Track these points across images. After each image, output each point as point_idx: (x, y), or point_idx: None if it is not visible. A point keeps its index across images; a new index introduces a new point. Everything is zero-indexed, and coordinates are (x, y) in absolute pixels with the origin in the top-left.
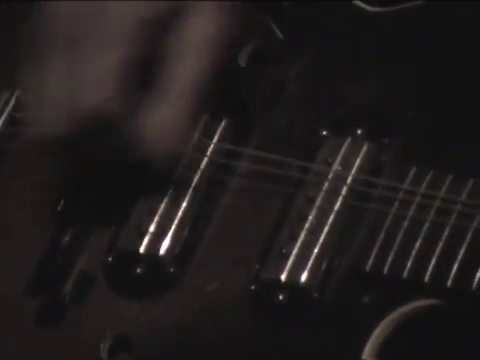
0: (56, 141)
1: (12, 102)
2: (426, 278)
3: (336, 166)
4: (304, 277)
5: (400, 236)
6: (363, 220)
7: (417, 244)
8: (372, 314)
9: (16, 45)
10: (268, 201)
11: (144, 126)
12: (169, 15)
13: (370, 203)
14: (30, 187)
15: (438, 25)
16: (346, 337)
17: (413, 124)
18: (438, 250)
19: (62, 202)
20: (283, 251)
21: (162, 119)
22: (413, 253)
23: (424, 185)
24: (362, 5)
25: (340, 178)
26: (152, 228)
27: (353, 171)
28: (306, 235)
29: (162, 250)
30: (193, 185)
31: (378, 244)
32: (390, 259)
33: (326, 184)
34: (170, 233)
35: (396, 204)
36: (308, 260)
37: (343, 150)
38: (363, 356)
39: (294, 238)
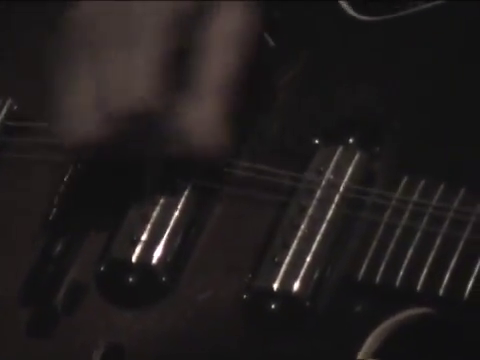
0: (94, 147)
1: (4, 111)
2: (418, 287)
3: (328, 175)
4: (296, 286)
5: (392, 245)
6: (355, 229)
7: (409, 253)
8: (364, 323)
9: (45, 58)
10: (260, 210)
11: (185, 123)
12: (199, 10)
13: (362, 212)
14: (22, 197)
15: (428, 34)
16: (338, 346)
17: (405, 133)
18: (430, 259)
19: (54, 211)
20: (275, 260)
21: (201, 116)
22: (405, 262)
23: (416, 194)
24: (353, 14)
25: (332, 187)
26: (144, 237)
27: (345, 180)
28: (298, 244)
29: (154, 259)
30: (185, 193)
31: (370, 253)
32: (382, 268)
33: (318, 193)
34: (162, 242)
35: (388, 213)
36: (300, 269)
37: (335, 159)
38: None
39: (286, 247)
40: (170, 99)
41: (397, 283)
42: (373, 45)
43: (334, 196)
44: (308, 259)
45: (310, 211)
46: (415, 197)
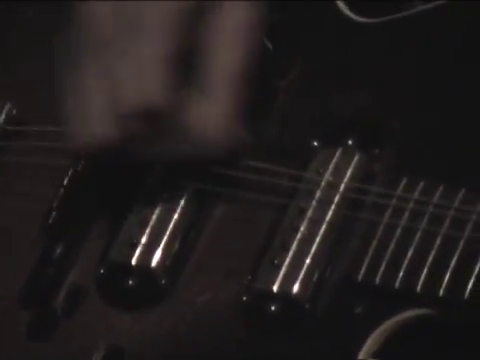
0: (109, 147)
1: (3, 115)
2: (418, 288)
3: (327, 176)
4: (296, 288)
5: (392, 246)
6: (355, 230)
7: (409, 254)
8: (364, 324)
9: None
10: (260, 212)
11: (197, 120)
12: (203, 7)
13: (362, 213)
14: (22, 200)
15: (427, 35)
16: (339, 347)
17: (404, 134)
18: (430, 260)
19: (53, 215)
20: (275, 262)
21: (214, 112)
22: (405, 263)
23: (416, 195)
24: (351, 16)
25: (332, 188)
26: (144, 240)
27: (344, 181)
28: (298, 246)
29: (154, 262)
30: (185, 196)
31: (370, 254)
32: (382, 269)
33: (318, 194)
34: (162, 245)
35: (388, 214)
36: (300, 271)
37: (334, 161)
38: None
39: (286, 249)
40: (181, 96)
41: (397, 284)
42: (371, 46)
43: (333, 197)
44: (308, 261)
45: (309, 213)
46: (414, 198)
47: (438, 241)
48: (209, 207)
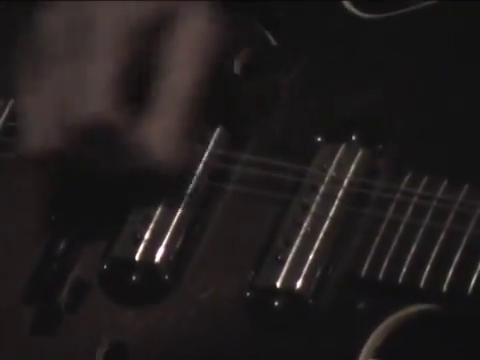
0: (53, 155)
1: (6, 112)
2: (421, 283)
3: (331, 172)
4: (299, 283)
5: (395, 242)
6: (358, 226)
7: (412, 249)
8: (367, 320)
9: (12, 59)
10: (263, 208)
11: (142, 138)
12: (160, 24)
13: (365, 209)
14: (25, 196)
15: (432, 32)
16: (341, 343)
17: (408, 130)
18: (433, 255)
19: (57, 209)
20: (278, 258)
21: (160, 130)
22: (408, 258)
23: (419, 190)
24: (356, 12)
25: (335, 184)
26: (147, 235)
27: (348, 177)
28: (301, 241)
29: (157, 257)
30: (188, 192)
31: (373, 250)
32: (385, 265)
33: (321, 190)
34: (165, 240)
35: (391, 210)
36: (303, 267)
37: (338, 156)
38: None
39: (289, 245)
40: (128, 113)
41: (400, 279)
42: (375, 42)
43: (337, 193)
44: (311, 257)
45: (313, 208)
46: (417, 194)
47: (441, 236)
48: (212, 203)
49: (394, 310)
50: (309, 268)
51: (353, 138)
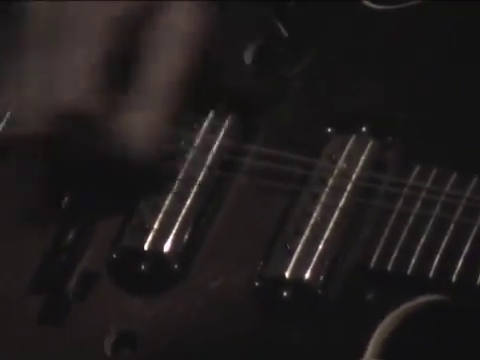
0: (35, 140)
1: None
2: (430, 274)
3: (341, 163)
4: (308, 274)
5: (404, 232)
6: (367, 217)
7: (421, 240)
8: (376, 310)
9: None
10: (273, 198)
11: (122, 125)
12: (143, 12)
13: (375, 200)
14: (34, 185)
15: (443, 22)
16: (350, 333)
17: (418, 122)
18: (443, 246)
19: (66, 199)
20: (287, 247)
21: (140, 118)
22: (417, 249)
23: (428, 182)
24: (367, 3)
25: (345, 175)
26: (156, 225)
27: (358, 168)
28: (311, 232)
29: (166, 247)
30: (198, 182)
31: (382, 240)
32: (394, 255)
33: (331, 181)
34: (174, 230)
35: (400, 201)
36: (312, 257)
37: (348, 147)
38: (366, 355)
39: (299, 235)
40: (109, 99)
41: (409, 270)
42: (387, 33)
43: (347, 184)
44: (320, 247)
45: (322, 199)
46: (427, 185)
47: (451, 228)
48: (222, 192)
49: (403, 301)
50: (318, 259)
51: (363, 129)
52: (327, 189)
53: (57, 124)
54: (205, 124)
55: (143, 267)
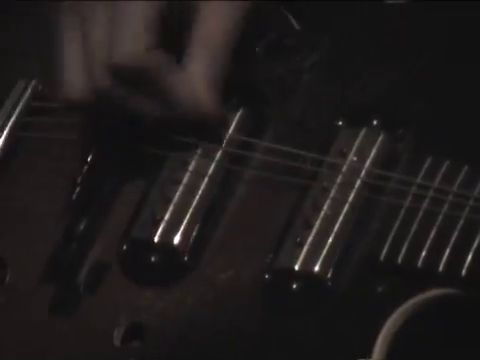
0: (93, 97)
1: (29, 91)
2: (440, 267)
3: (351, 156)
4: (318, 266)
5: (415, 226)
6: (378, 210)
7: (431, 234)
8: (386, 303)
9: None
10: (283, 191)
11: (171, 84)
12: None
13: (385, 193)
14: (45, 176)
15: (454, 14)
16: (359, 327)
17: (429, 114)
18: (453, 239)
19: (77, 190)
20: (297, 240)
21: (190, 76)
22: (428, 242)
23: (439, 175)
24: None
25: (355, 168)
26: (167, 217)
27: (368, 161)
28: (321, 224)
29: (176, 239)
30: (208, 174)
31: (392, 234)
32: (404, 248)
33: (341, 174)
34: (185, 222)
35: (411, 194)
36: (322, 249)
37: (358, 140)
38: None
39: (309, 227)
40: (157, 57)
41: (419, 264)
42: (397, 26)
43: (357, 177)
44: (330, 239)
45: (333, 192)
46: (438, 178)
47: (461, 221)
48: (233, 185)
49: (413, 294)
50: (328, 251)
51: (374, 122)
52: (338, 182)
53: (115, 79)
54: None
55: (153, 259)
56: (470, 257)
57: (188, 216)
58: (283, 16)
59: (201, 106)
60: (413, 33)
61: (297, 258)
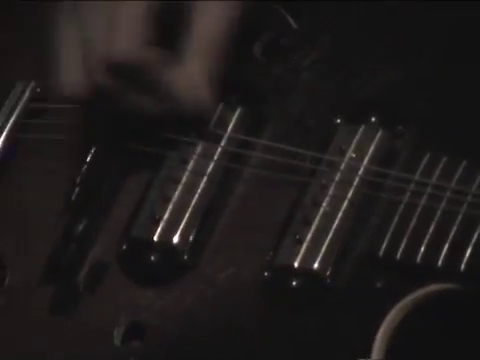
0: (87, 91)
1: (27, 93)
2: (439, 263)
3: (350, 153)
4: (317, 263)
5: (413, 221)
6: (377, 206)
7: (430, 229)
8: (385, 299)
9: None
10: (282, 188)
11: (166, 78)
12: None
13: (384, 189)
14: (45, 177)
15: (453, 13)
16: (359, 322)
17: (427, 111)
18: (451, 235)
19: (77, 191)
20: (297, 237)
21: (185, 72)
22: (426, 238)
23: (438, 171)
24: None
25: (354, 165)
26: (166, 216)
27: (367, 158)
28: (320, 221)
29: (176, 238)
30: (207, 173)
31: (391, 229)
32: (403, 244)
33: (340, 171)
34: (184, 221)
35: (410, 190)
36: (322, 246)
37: (357, 137)
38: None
39: (308, 224)
40: (154, 54)
41: (418, 259)
42: (395, 24)
43: (356, 174)
44: (329, 236)
45: (332, 189)
46: (437, 174)
47: (459, 217)
48: (232, 183)
49: (412, 289)
50: (327, 248)
51: (372, 120)
52: (336, 179)
53: (99, 78)
54: (214, 116)
55: (153, 258)
56: (469, 252)
57: (187, 215)
58: (281, 15)
59: (200, 102)
60: (412, 31)
61: (296, 255)
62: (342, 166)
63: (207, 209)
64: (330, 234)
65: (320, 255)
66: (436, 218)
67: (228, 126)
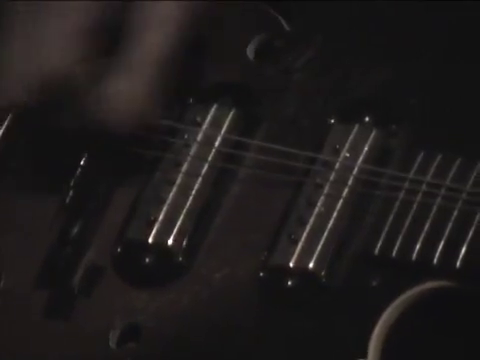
0: (17, 106)
1: None
2: (435, 260)
3: (344, 153)
4: (313, 263)
5: (409, 219)
6: (372, 204)
7: (426, 227)
8: (381, 297)
9: None
10: (277, 189)
11: (107, 94)
12: None
13: (379, 188)
14: (39, 180)
15: (446, 11)
16: (355, 321)
17: (421, 110)
18: (447, 232)
19: (70, 194)
20: (292, 237)
21: (126, 88)
22: (422, 236)
23: (432, 169)
24: None
25: (348, 165)
26: (160, 218)
27: (361, 157)
28: (315, 221)
29: (171, 240)
30: (201, 174)
31: (387, 227)
32: (399, 242)
33: (335, 170)
34: (179, 222)
35: (404, 188)
36: (317, 245)
37: (351, 137)
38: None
39: (303, 224)
40: (92, 68)
41: (414, 257)
42: (389, 23)
43: (350, 173)
44: (324, 236)
45: (326, 188)
46: (431, 172)
47: (455, 214)
48: (226, 184)
49: (408, 287)
50: (323, 247)
51: (366, 119)
52: (331, 178)
53: (44, 91)
54: (208, 118)
55: (148, 260)
56: (464, 249)
57: (182, 216)
58: (273, 17)
59: (137, 115)
60: (403, 31)
61: (292, 255)
62: (336, 166)
63: (202, 210)
64: (325, 233)
65: (315, 255)
66: (431, 216)
67: (222, 127)
